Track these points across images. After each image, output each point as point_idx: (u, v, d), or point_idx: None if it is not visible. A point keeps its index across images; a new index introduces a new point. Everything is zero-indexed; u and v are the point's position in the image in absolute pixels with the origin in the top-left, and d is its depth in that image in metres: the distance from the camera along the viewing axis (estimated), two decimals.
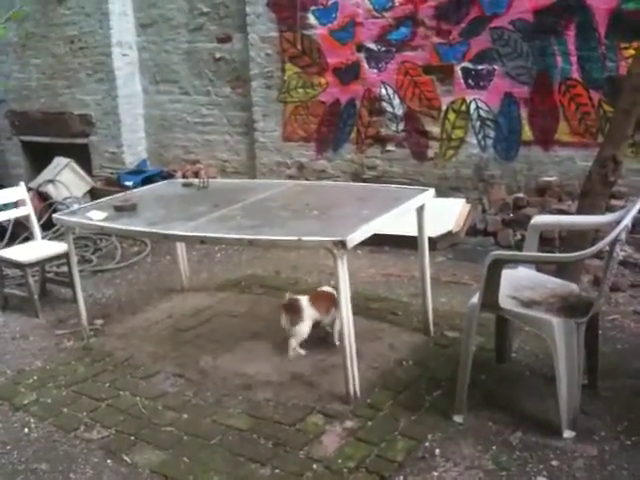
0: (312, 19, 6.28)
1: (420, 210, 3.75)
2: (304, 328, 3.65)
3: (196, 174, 6.84)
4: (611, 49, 5.11)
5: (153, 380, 3.55)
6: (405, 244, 5.25)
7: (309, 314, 3.65)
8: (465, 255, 5.27)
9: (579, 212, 4.27)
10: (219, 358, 3.75)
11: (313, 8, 6.25)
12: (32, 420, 3.22)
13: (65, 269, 5.02)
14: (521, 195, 5.61)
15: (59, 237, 5.83)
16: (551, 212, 5.25)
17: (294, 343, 3.69)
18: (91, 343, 4.03)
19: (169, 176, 6.58)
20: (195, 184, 4.42)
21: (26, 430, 3.14)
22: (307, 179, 6.46)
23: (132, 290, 5.00)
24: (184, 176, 6.70)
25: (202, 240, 3.34)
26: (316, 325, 3.73)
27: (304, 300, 3.68)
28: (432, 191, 3.82)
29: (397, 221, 3.54)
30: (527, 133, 5.62)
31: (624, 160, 4.16)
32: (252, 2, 6.48)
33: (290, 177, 6.56)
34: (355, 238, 3.05)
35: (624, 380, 3.30)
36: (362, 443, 2.91)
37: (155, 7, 7.15)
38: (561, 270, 3.82)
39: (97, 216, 3.75)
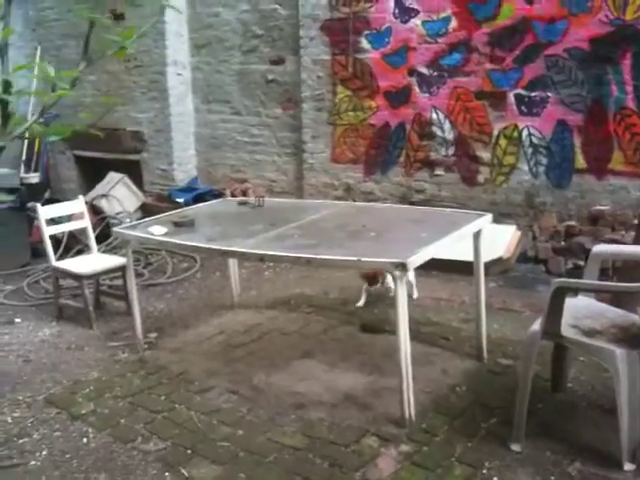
0: (365, 43, 6.35)
1: (477, 235, 3.74)
2: None
3: (244, 193, 6.98)
4: None
5: (207, 395, 3.59)
6: (453, 269, 5.23)
7: None
8: (516, 282, 5.24)
9: (636, 242, 4.22)
10: (271, 376, 3.78)
11: (366, 32, 6.32)
12: (90, 430, 3.27)
13: (117, 282, 5.13)
14: (573, 223, 5.55)
15: (111, 250, 5.95)
16: (604, 241, 5.17)
17: None
18: (146, 356, 4.09)
19: (220, 194, 6.68)
20: (250, 203, 4.48)
21: (85, 440, 3.19)
22: (354, 200, 6.49)
23: (183, 305, 5.07)
24: (232, 195, 6.81)
25: (261, 258, 3.38)
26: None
27: None
28: (490, 216, 3.81)
29: (448, 245, 3.53)
30: (580, 161, 5.57)
31: None
32: (306, 26, 6.59)
33: (337, 198, 6.60)
34: (416, 260, 3.06)
35: None
36: (418, 468, 2.89)
37: (210, 28, 7.31)
38: (619, 300, 3.75)
39: (158, 231, 3.83)
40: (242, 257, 4.01)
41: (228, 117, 7.44)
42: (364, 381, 3.68)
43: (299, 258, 3.24)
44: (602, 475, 2.79)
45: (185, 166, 7.69)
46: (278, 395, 3.56)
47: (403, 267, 2.97)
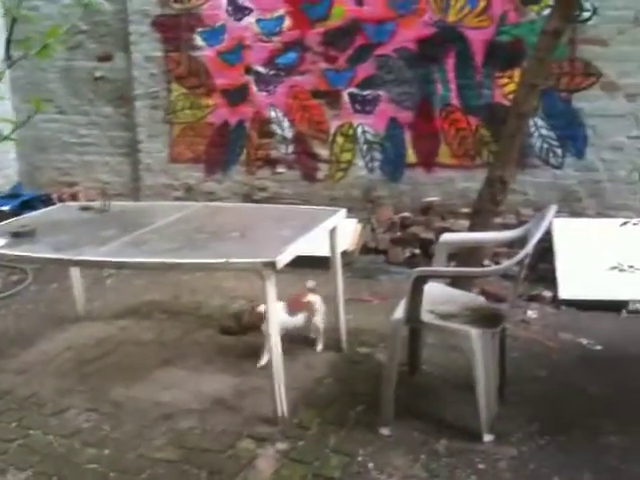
0: (199, 40, 6.25)
1: (333, 230, 3.84)
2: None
3: (74, 197, 6.58)
4: (487, 77, 5.53)
5: (64, 416, 3.34)
6: (301, 264, 5.31)
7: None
8: (361, 273, 5.44)
9: (471, 230, 4.57)
10: (132, 388, 3.60)
11: (200, 29, 6.22)
12: None
13: None
14: (407, 214, 5.89)
15: None
16: (435, 230, 5.56)
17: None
18: None
19: (48, 200, 6.24)
20: (94, 207, 4.24)
21: None
22: (196, 201, 6.36)
23: (20, 322, 4.66)
24: (60, 199, 6.39)
25: (121, 265, 3.23)
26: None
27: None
28: (344, 212, 3.94)
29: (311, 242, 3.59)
30: (411, 156, 5.92)
31: (510, 180, 4.52)
32: (135, 21, 6.34)
33: (177, 199, 6.43)
34: (284, 259, 3.08)
35: (526, 385, 3.56)
36: (297, 464, 2.91)
37: (29, 23, 6.75)
38: (456, 283, 4.03)
39: None
40: (98, 266, 3.79)
41: (52, 117, 6.94)
42: (230, 383, 3.64)
43: (164, 263, 3.13)
44: (467, 448, 2.99)
45: (5, 171, 7.08)
46: (142, 408, 3.40)
47: (272, 266, 2.98)
